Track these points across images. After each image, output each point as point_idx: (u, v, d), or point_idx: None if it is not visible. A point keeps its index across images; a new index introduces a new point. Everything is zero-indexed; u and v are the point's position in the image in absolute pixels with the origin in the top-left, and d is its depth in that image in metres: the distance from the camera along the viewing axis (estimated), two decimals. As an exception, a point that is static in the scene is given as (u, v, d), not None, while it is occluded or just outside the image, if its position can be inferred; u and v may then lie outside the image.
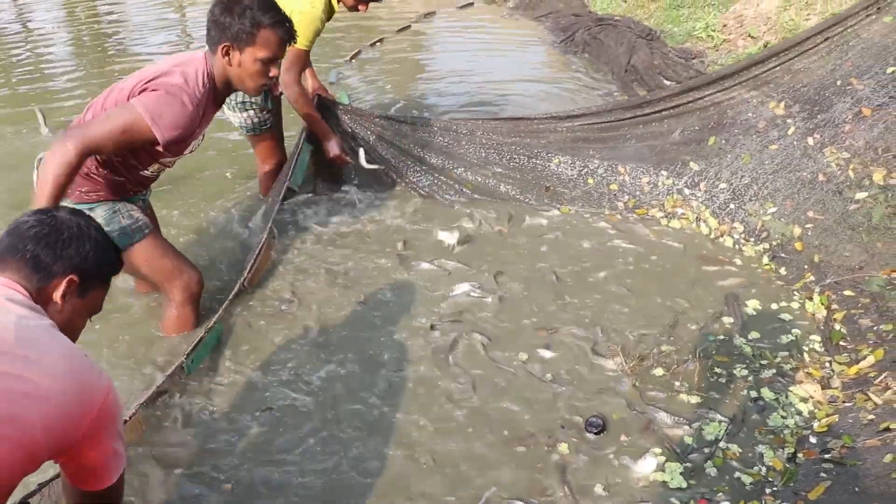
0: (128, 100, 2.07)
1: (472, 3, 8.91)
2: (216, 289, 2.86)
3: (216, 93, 2.20)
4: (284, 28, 2.16)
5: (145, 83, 2.07)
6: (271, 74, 2.19)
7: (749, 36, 5.78)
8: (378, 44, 6.86)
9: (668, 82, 5.46)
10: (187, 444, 2.09)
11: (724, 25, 6.15)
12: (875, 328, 2.38)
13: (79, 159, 1.94)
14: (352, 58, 6.20)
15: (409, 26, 7.64)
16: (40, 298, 1.28)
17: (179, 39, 7.37)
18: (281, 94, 3.29)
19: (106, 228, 2.18)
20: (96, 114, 2.14)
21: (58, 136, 1.96)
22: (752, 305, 2.71)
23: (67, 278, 1.29)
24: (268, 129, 3.27)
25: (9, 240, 1.29)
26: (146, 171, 2.30)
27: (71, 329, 1.35)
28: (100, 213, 2.22)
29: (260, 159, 3.46)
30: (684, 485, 1.93)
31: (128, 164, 2.24)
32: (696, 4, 6.93)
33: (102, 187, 2.24)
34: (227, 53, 2.12)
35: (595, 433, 2.13)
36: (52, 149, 1.93)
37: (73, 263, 1.31)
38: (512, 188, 3.54)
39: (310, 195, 3.51)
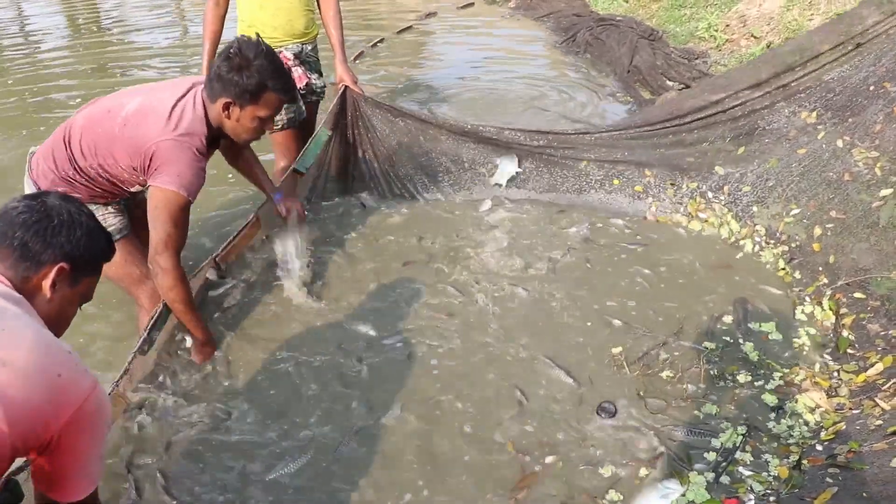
0: (124, 146, 2.10)
1: (472, 4, 8.91)
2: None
3: (212, 135, 2.24)
4: (289, 92, 2.21)
5: (151, 144, 2.06)
6: (266, 129, 2.26)
7: (752, 36, 5.76)
8: (379, 44, 6.86)
9: (670, 83, 5.44)
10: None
11: (727, 25, 6.13)
12: (883, 333, 2.36)
13: (174, 265, 2.14)
14: (355, 58, 6.19)
15: (411, 27, 7.64)
16: (28, 287, 1.24)
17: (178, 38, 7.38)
18: (311, 91, 3.29)
19: None
20: (85, 132, 2.15)
21: (153, 271, 2.16)
22: (763, 311, 2.69)
23: (58, 266, 1.25)
24: (280, 130, 3.24)
25: None
26: (132, 189, 2.30)
27: (61, 317, 1.31)
28: None
29: (276, 156, 3.47)
30: (707, 497, 1.91)
31: (113, 185, 2.26)
32: (699, 4, 6.92)
33: (81, 192, 2.23)
34: (227, 108, 2.14)
35: (608, 418, 2.16)
36: (157, 280, 2.16)
37: (63, 251, 1.26)
38: (536, 190, 3.55)
39: (338, 200, 3.53)
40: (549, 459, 2.05)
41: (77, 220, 1.29)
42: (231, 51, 2.12)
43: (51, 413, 1.09)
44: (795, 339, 2.53)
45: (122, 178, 2.21)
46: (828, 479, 1.87)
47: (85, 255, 1.29)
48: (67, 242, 1.26)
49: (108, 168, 2.18)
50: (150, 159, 2.08)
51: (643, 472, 1.99)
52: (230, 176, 3.93)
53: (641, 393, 2.28)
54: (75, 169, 2.19)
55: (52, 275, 1.24)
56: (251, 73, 2.09)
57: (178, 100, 2.13)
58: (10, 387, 1.05)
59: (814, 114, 3.12)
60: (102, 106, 2.20)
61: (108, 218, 2.32)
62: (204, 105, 2.17)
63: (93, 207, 2.26)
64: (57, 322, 1.28)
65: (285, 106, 3.13)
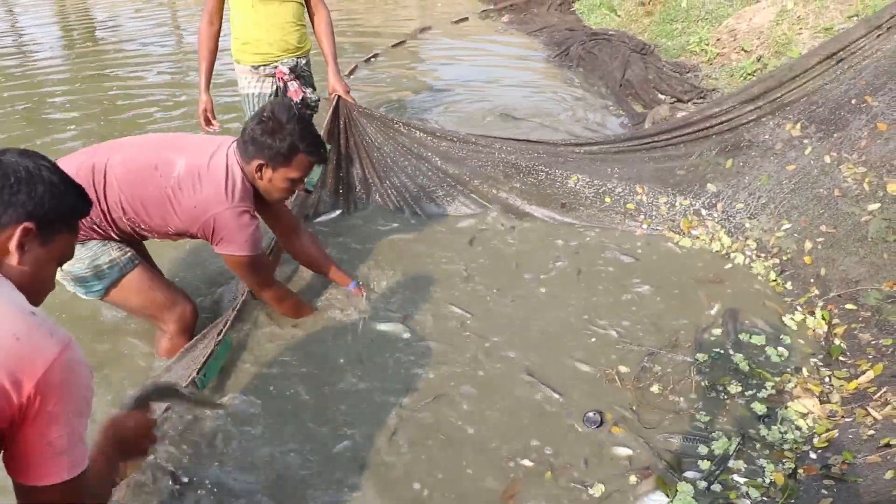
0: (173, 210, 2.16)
1: (466, 18, 8.98)
2: (218, 306, 2.85)
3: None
4: (319, 154, 2.26)
5: (210, 216, 2.13)
6: (296, 189, 2.33)
7: (742, 50, 5.82)
8: (373, 59, 6.89)
9: (662, 96, 5.49)
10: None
11: (718, 39, 6.19)
12: (874, 343, 2.38)
13: (277, 295, 2.53)
14: (350, 73, 6.21)
15: (405, 41, 7.68)
16: None
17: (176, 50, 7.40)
18: (307, 105, 3.28)
19: (96, 261, 2.21)
20: (129, 189, 2.16)
21: (272, 307, 2.63)
22: (753, 321, 2.70)
23: (22, 227, 1.17)
24: None
25: None
26: (156, 238, 2.35)
27: (37, 279, 1.23)
28: (91, 245, 2.22)
29: None
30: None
31: (142, 235, 2.30)
32: (690, 19, 6.99)
33: (98, 233, 2.24)
34: (260, 170, 2.20)
35: (594, 427, 2.17)
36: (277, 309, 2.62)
37: (26, 210, 1.17)
38: (528, 202, 3.53)
39: (339, 212, 3.54)
40: (538, 470, 2.04)
41: (37, 176, 1.20)
42: (265, 115, 2.18)
43: (10, 382, 1.00)
44: (786, 349, 2.54)
45: (160, 232, 2.26)
46: (823, 491, 1.88)
47: (51, 211, 1.21)
48: (29, 200, 1.18)
49: (152, 226, 2.22)
50: (213, 230, 2.18)
51: (633, 479, 1.99)
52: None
53: (633, 406, 2.28)
54: (107, 221, 2.20)
55: (16, 236, 1.17)
56: (284, 137, 2.15)
57: (225, 165, 2.17)
58: None
59: (798, 126, 3.15)
60: (146, 161, 2.17)
61: (123, 246, 2.32)
62: (241, 167, 2.21)
63: (106, 239, 2.27)
64: (33, 284, 1.22)
65: None
